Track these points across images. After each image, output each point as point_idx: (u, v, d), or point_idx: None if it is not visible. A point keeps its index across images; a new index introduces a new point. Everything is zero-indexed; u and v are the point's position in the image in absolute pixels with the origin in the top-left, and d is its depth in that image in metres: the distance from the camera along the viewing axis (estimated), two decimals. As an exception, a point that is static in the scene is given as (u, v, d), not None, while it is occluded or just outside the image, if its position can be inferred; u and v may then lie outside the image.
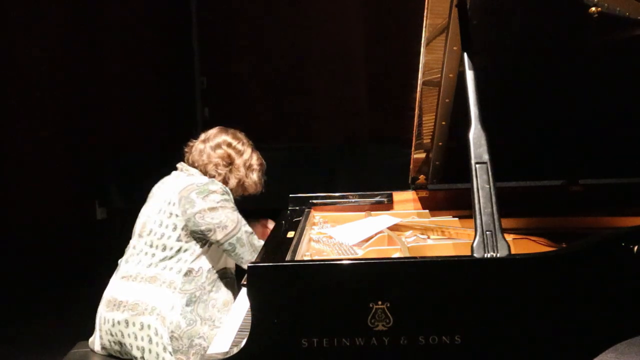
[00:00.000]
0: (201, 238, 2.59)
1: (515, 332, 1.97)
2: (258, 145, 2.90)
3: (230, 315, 2.50)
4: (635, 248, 2.07)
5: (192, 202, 2.57)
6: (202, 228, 2.56)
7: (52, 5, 6.44)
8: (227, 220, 2.58)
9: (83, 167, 6.74)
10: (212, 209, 2.57)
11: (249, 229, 2.65)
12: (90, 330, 2.71)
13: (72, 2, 6.67)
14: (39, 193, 6.28)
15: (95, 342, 2.65)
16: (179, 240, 2.58)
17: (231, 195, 2.68)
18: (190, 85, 8.06)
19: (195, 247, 2.58)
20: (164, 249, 2.58)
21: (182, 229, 2.57)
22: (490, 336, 1.96)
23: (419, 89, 2.74)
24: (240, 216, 2.64)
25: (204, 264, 2.58)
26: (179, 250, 2.57)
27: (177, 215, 2.58)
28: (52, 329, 4.57)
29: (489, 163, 2.10)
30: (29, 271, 5.70)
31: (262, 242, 2.61)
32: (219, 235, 2.56)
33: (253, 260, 2.47)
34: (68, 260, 5.96)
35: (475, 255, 2.00)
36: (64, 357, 2.66)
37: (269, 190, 2.91)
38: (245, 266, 2.55)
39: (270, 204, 3.01)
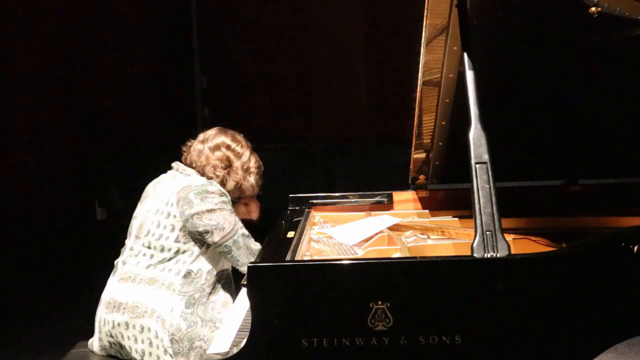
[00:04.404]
0: (199, 239, 2.58)
1: (515, 332, 1.97)
2: (258, 145, 2.90)
3: (230, 315, 2.50)
4: (635, 248, 2.07)
5: (190, 202, 2.57)
6: (200, 229, 2.55)
7: (51, 5, 6.44)
8: (224, 222, 2.57)
9: (83, 167, 6.74)
10: (210, 210, 2.56)
11: (246, 232, 2.64)
12: (90, 330, 2.71)
13: (72, 2, 6.66)
14: (39, 193, 6.28)
15: (95, 343, 2.65)
16: (177, 241, 2.57)
17: (229, 197, 2.67)
18: (190, 85, 8.06)
19: (194, 249, 2.57)
20: (162, 250, 2.57)
21: (180, 229, 2.56)
22: (490, 336, 1.96)
23: (419, 89, 2.74)
24: (237, 219, 2.64)
25: (203, 265, 2.57)
26: (177, 252, 2.56)
27: (175, 216, 2.58)
28: (52, 329, 4.56)
29: (489, 163, 2.09)
30: (29, 271, 5.70)
31: (258, 246, 2.61)
32: (216, 237, 2.56)
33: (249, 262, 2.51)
34: (68, 261, 5.96)
35: (475, 255, 2.00)
36: (64, 357, 2.66)
37: (269, 190, 2.90)
38: (241, 269, 2.56)
39: (270, 204, 3.00)
